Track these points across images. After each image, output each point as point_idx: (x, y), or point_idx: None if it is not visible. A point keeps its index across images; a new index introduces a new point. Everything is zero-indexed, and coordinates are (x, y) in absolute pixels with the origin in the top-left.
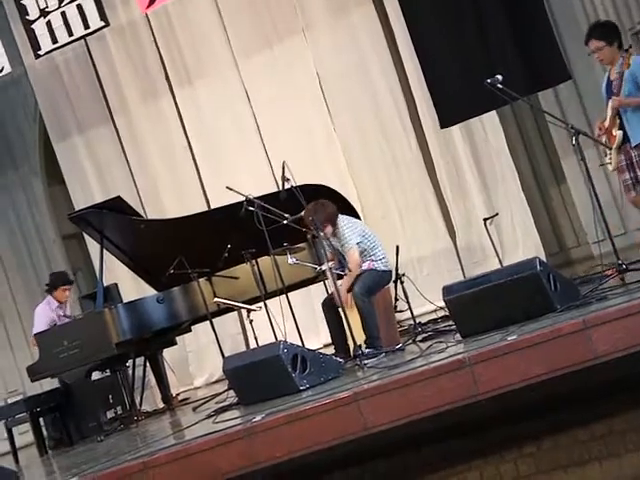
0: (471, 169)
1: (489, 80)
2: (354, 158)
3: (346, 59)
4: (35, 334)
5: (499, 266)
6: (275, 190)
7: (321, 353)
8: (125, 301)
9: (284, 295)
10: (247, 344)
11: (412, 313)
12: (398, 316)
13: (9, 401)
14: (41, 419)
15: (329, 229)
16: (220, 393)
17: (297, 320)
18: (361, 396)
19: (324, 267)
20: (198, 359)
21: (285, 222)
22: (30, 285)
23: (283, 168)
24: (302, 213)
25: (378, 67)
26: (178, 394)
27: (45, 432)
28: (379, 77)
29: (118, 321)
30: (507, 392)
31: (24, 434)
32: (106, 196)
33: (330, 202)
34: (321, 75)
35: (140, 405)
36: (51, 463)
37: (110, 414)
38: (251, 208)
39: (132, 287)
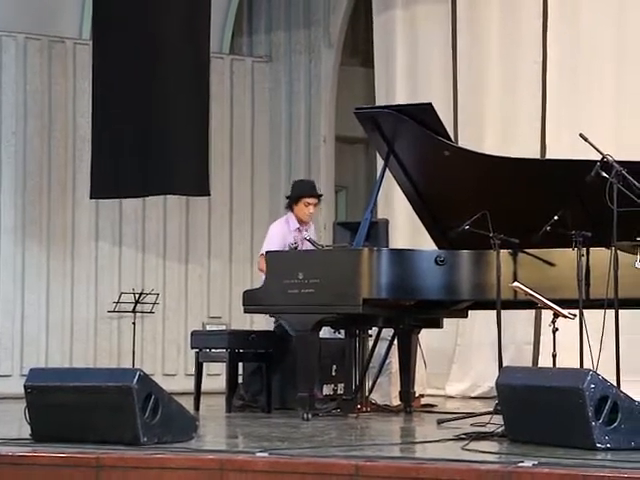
0: None
1: None
2: None
3: None
4: (267, 252)
5: None
6: None
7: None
8: (392, 247)
9: (612, 310)
10: (536, 361)
11: None
12: None
13: (208, 328)
14: (240, 366)
15: None
16: (481, 414)
17: (620, 350)
18: None
19: None
20: (464, 360)
21: None
22: (274, 186)
23: None
24: None
25: None
26: (422, 395)
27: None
28: None
29: (377, 270)
30: None
31: (212, 377)
32: (412, 98)
33: None
34: None
35: (370, 392)
36: (236, 424)
37: (328, 390)
38: (605, 175)
39: (406, 231)
